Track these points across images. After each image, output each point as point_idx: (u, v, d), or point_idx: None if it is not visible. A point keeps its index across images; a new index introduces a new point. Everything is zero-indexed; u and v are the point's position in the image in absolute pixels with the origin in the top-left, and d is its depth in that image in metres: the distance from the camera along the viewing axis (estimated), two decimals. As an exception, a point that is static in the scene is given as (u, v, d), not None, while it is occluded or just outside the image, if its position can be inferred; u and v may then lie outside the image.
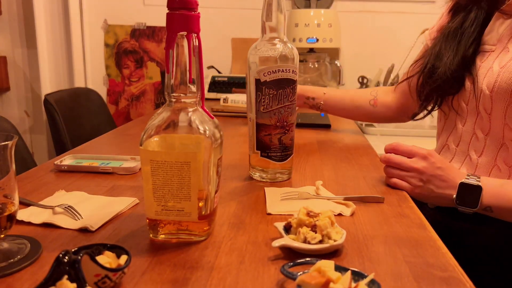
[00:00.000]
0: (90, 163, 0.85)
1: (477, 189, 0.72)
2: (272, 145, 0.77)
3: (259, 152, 0.78)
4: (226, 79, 2.02)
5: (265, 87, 0.74)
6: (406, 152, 0.76)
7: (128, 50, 2.32)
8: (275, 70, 0.73)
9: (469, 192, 0.73)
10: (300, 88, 1.10)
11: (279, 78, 0.74)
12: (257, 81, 0.74)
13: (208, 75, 2.08)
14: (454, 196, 0.73)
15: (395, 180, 0.76)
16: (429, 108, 0.92)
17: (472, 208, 0.73)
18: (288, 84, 0.75)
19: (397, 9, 2.23)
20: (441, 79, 0.85)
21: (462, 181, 0.73)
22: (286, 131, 0.77)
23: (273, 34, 0.75)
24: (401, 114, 1.10)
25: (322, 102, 1.13)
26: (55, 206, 0.63)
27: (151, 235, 0.55)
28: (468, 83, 0.83)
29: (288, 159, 0.79)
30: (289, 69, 0.74)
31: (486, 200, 0.72)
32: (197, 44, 0.53)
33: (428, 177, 0.74)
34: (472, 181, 0.73)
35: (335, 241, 0.52)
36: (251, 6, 2.20)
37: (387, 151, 0.79)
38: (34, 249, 0.51)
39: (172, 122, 0.53)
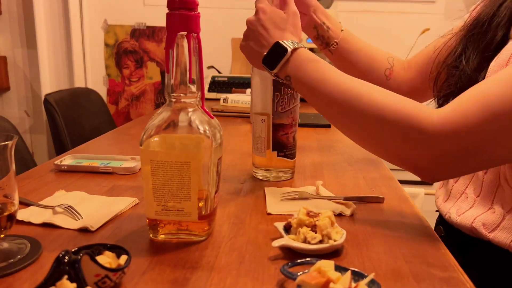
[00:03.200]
0: (90, 163, 0.85)
1: (283, 52, 0.65)
2: (288, 143, 0.78)
3: (275, 152, 0.78)
4: (226, 79, 2.02)
5: (283, 87, 0.75)
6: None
7: (128, 50, 2.32)
8: None
9: (276, 52, 0.66)
10: (315, 7, 0.86)
11: None
12: (275, 82, 0.74)
13: (208, 75, 2.08)
14: (265, 53, 0.67)
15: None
16: None
17: (270, 69, 0.66)
18: None
19: (397, 9, 2.23)
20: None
21: (278, 41, 0.66)
22: (296, 128, 0.79)
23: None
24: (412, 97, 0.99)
25: (336, 41, 0.89)
26: (55, 206, 0.63)
27: (151, 235, 0.55)
28: None
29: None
30: None
31: (289, 69, 0.65)
32: (197, 44, 0.53)
33: (251, 32, 0.69)
34: (287, 44, 0.65)
35: (335, 241, 0.52)
36: (251, 6, 2.18)
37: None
38: (34, 249, 0.51)
39: (172, 122, 0.53)
